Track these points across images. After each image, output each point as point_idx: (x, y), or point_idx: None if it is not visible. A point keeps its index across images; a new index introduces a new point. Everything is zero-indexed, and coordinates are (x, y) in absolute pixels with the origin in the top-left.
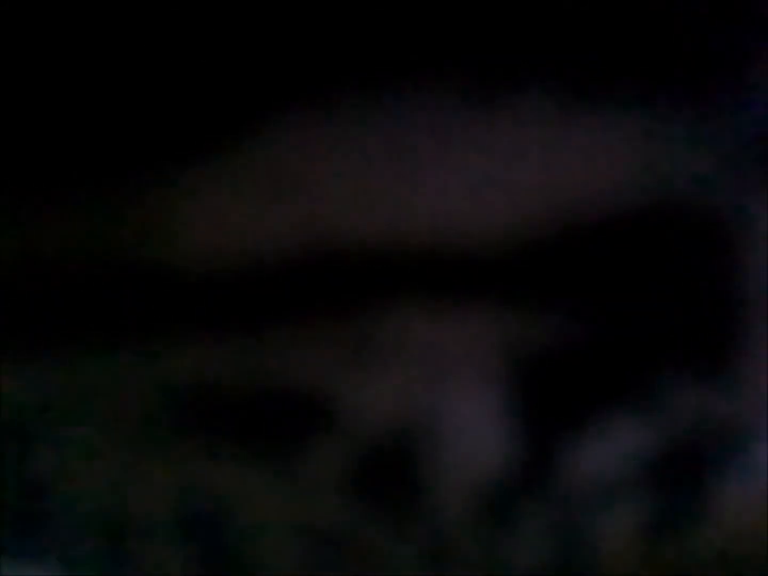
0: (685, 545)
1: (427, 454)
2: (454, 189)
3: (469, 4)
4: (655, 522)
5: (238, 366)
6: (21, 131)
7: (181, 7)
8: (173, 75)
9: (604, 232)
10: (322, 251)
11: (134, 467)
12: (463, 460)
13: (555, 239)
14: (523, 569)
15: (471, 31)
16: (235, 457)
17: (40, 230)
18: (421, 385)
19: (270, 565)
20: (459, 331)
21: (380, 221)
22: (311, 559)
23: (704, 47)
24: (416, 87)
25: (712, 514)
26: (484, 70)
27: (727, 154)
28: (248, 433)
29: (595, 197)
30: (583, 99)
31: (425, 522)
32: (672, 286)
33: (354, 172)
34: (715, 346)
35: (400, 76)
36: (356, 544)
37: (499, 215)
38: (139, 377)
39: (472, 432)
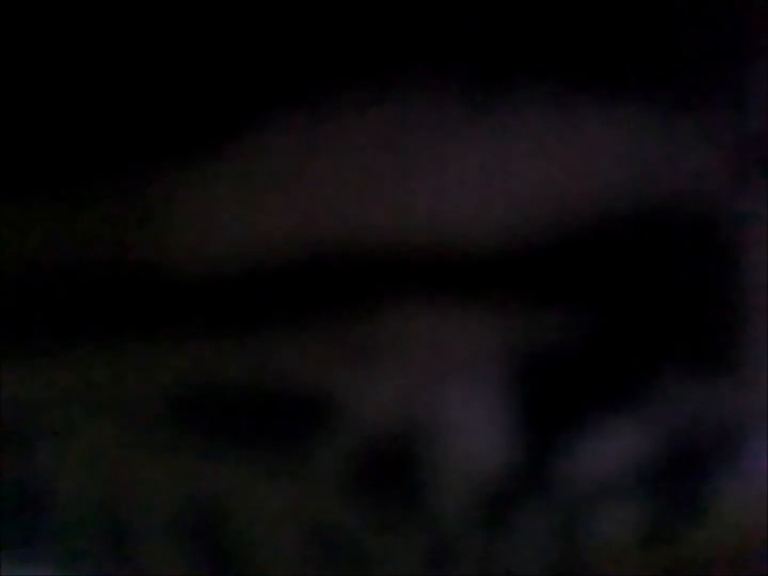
0: (684, 545)
1: (427, 454)
2: (454, 189)
3: (469, 3)
4: (655, 522)
5: (238, 366)
6: (21, 131)
7: (182, 7)
8: (173, 75)
9: (605, 232)
10: (322, 251)
11: (134, 467)
12: (463, 460)
13: (555, 239)
14: (523, 569)
15: (471, 31)
16: (235, 456)
17: (40, 230)
18: (421, 385)
19: (270, 565)
20: (459, 331)
21: (380, 221)
22: (311, 559)
23: (704, 47)
24: (416, 87)
25: (712, 514)
26: (484, 70)
27: (728, 154)
28: (248, 433)
29: (596, 197)
30: (584, 99)
31: (425, 522)
32: (672, 286)
33: (354, 172)
34: (715, 346)
35: (400, 76)
36: (356, 544)
37: (499, 215)
38: (139, 377)
39: (472, 432)
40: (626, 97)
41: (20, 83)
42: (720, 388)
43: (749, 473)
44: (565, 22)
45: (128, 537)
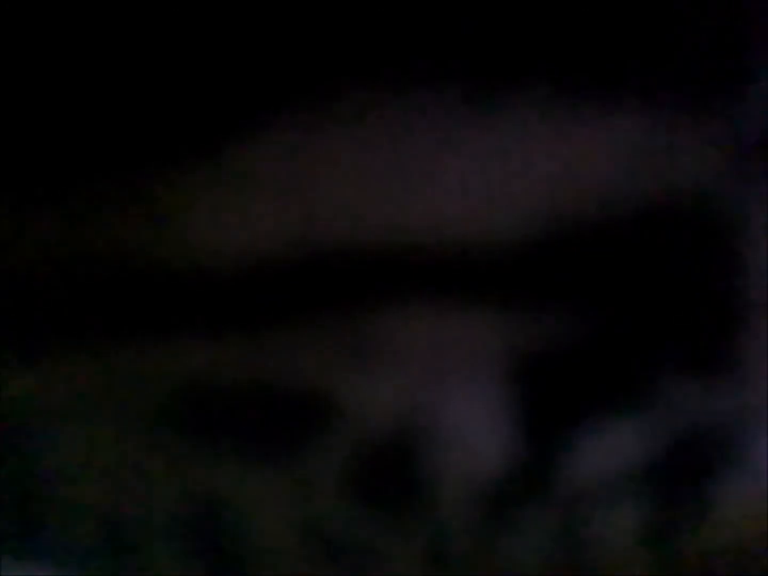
0: (684, 545)
1: (427, 453)
2: (454, 189)
3: (469, 4)
4: (656, 522)
5: (238, 366)
6: (22, 132)
7: (183, 7)
8: (174, 76)
9: (605, 232)
10: (322, 251)
11: (134, 467)
12: (463, 460)
13: (555, 239)
14: (523, 569)
15: (471, 32)
16: (235, 456)
17: (41, 230)
18: (421, 385)
19: (270, 565)
20: (459, 330)
21: (380, 221)
22: (311, 559)
23: (704, 48)
24: (416, 87)
25: (712, 514)
26: (485, 71)
27: (728, 154)
28: (248, 433)
29: (596, 197)
30: (583, 100)
31: (425, 522)
32: (672, 285)
33: (354, 172)
34: (715, 346)
35: (401, 76)
36: (356, 544)
37: (499, 215)
38: (138, 377)
39: (472, 432)
40: (626, 98)
41: (24, 83)
42: (720, 387)
43: (749, 473)
44: (565, 22)
45: (128, 537)
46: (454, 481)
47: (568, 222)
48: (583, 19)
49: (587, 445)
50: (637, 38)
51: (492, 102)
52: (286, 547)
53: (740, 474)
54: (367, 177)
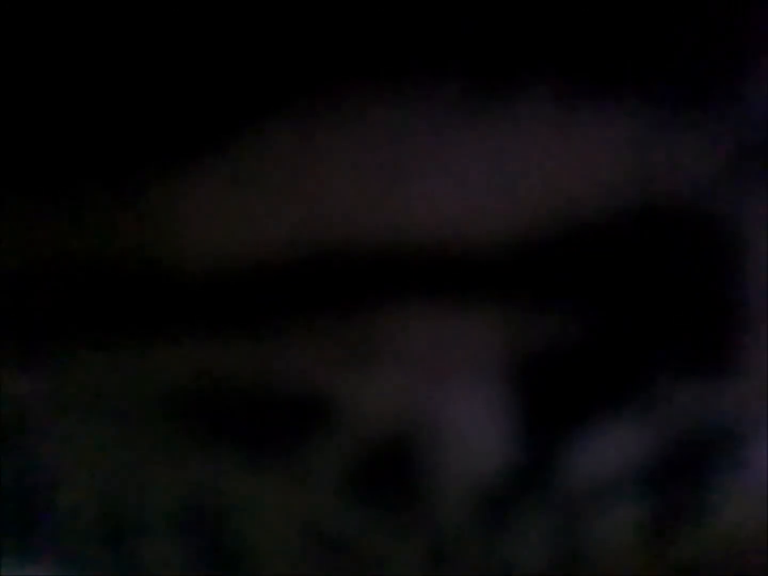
0: (685, 545)
1: (427, 454)
2: (453, 189)
3: (469, 3)
4: (655, 522)
5: (237, 366)
6: (21, 131)
7: (182, 7)
8: (172, 74)
9: (605, 232)
10: (322, 251)
11: (134, 467)
12: (463, 460)
13: (554, 239)
14: (523, 569)
15: (470, 31)
16: (235, 457)
17: (41, 230)
18: (421, 385)
19: (270, 566)
20: (459, 331)
21: (380, 221)
22: (311, 560)
23: (704, 47)
24: (416, 87)
25: (712, 515)
26: (484, 70)
27: (728, 154)
28: (248, 433)
29: (595, 197)
30: (584, 99)
31: (425, 522)
32: (672, 285)
33: (354, 172)
34: (715, 346)
35: (400, 75)
36: (356, 545)
37: (499, 215)
38: (138, 377)
39: (472, 432)
40: (626, 98)
41: (20, 84)
42: (720, 387)
43: (749, 473)
44: (564, 22)
45: (128, 537)
46: (453, 481)
47: (568, 222)
48: (582, 19)
49: (587, 445)
50: (637, 38)
51: (492, 102)
52: (286, 547)
53: (740, 474)
54: (367, 177)
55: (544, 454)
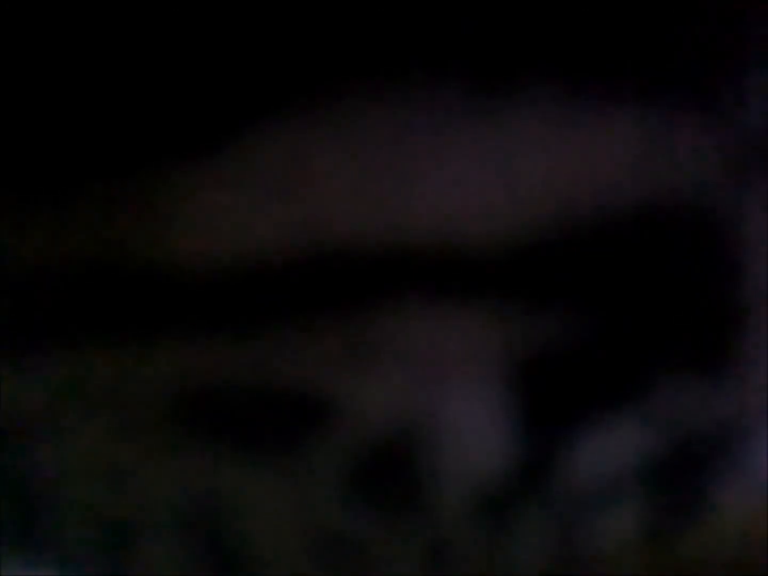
0: (684, 545)
1: (426, 453)
2: (453, 189)
3: (469, 3)
4: (655, 522)
5: (237, 366)
6: (22, 131)
7: (182, 7)
8: (172, 75)
9: (605, 233)
10: (321, 251)
11: (134, 467)
12: (463, 460)
13: (555, 239)
14: (523, 569)
15: (471, 31)
16: (235, 456)
17: (41, 230)
18: (421, 385)
19: (270, 565)
20: (459, 330)
21: (380, 221)
22: (311, 559)
23: (704, 47)
24: (416, 87)
25: (712, 515)
26: (485, 70)
27: (728, 154)
28: (248, 433)
29: (596, 197)
30: (584, 99)
31: (425, 522)
32: (672, 286)
33: (354, 172)
34: (715, 346)
35: (400, 75)
36: (356, 544)
37: (499, 215)
38: (138, 377)
39: (472, 432)
40: (626, 97)
41: (20, 84)
42: (720, 387)
43: (749, 473)
44: (565, 22)
45: (128, 537)
46: (453, 480)
47: (568, 222)
48: (583, 19)
49: (587, 445)
50: (637, 38)
51: (492, 102)
52: (286, 546)
53: (740, 474)
54: (367, 177)
55: (544, 454)
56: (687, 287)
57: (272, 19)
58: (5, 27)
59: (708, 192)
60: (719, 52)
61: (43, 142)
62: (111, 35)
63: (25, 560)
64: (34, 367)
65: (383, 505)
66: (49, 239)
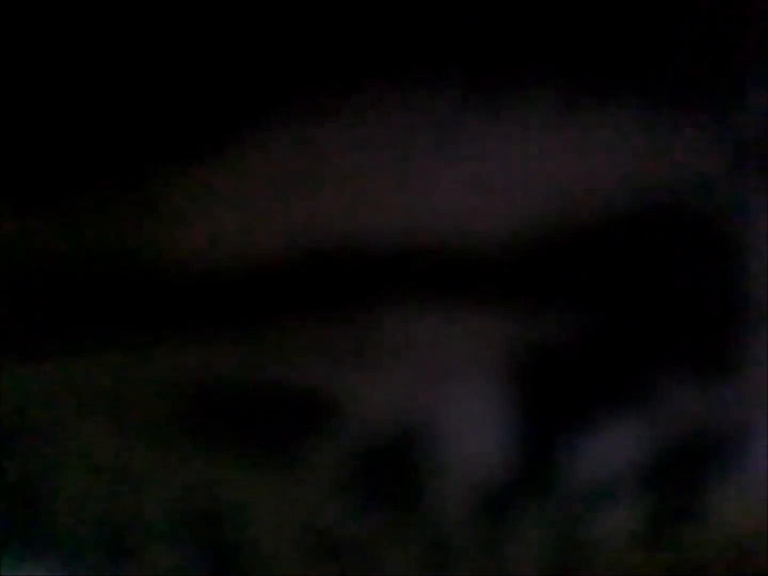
0: (684, 545)
1: (427, 453)
2: (454, 189)
3: (469, 3)
4: (655, 522)
5: (238, 365)
6: (23, 131)
7: (183, 6)
8: (172, 75)
9: (605, 232)
10: (322, 251)
11: (134, 467)
12: (463, 460)
13: (555, 239)
14: (523, 569)
15: (471, 32)
16: (236, 456)
17: (41, 230)
18: (421, 385)
19: (270, 565)
20: (459, 330)
21: (380, 221)
22: (311, 559)
23: (704, 47)
24: (417, 87)
25: (712, 514)
26: (485, 70)
27: (728, 154)
28: (248, 433)
29: (596, 197)
30: (584, 99)
31: (425, 522)
32: (672, 285)
33: (354, 171)
34: (715, 346)
35: (401, 75)
36: (356, 544)
37: (499, 215)
38: (139, 377)
39: (472, 432)
40: (627, 97)
41: (21, 85)
42: (720, 387)
43: (749, 473)
44: (565, 22)
45: (128, 537)
46: (453, 480)
47: (569, 222)
48: (583, 19)
49: (587, 446)
50: (637, 38)
51: (492, 102)
52: (286, 546)
53: (740, 474)
54: (367, 177)
55: (544, 454)
56: (687, 287)
57: (273, 19)
58: (6, 27)
59: (708, 192)
60: (719, 52)
61: (44, 143)
62: (112, 36)
63: (25, 560)
64: (34, 366)
65: (383, 505)
66: (49, 239)
